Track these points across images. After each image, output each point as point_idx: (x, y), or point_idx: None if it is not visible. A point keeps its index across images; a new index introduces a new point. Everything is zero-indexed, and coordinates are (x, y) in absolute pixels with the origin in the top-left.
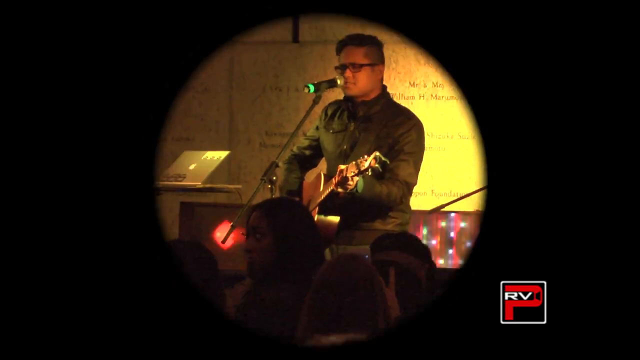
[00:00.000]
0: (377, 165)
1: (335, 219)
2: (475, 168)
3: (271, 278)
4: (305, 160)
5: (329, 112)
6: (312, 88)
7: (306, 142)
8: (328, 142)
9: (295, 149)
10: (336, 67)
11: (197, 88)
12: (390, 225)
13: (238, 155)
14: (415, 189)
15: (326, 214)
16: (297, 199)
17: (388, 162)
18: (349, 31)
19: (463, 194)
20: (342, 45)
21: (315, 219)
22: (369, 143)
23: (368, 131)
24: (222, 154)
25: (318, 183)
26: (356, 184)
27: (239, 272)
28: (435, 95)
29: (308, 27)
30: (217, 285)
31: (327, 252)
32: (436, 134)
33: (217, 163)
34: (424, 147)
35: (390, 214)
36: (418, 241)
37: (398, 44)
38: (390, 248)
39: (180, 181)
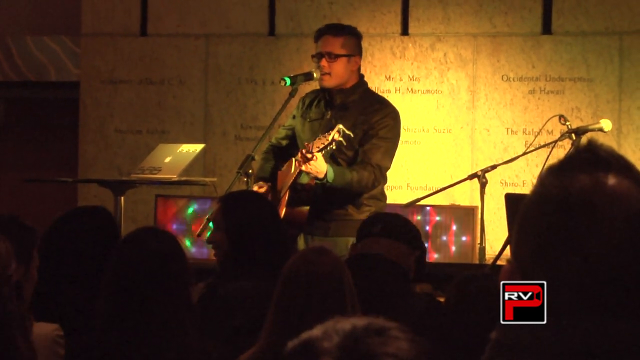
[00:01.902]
0: (340, 138)
1: (304, 208)
2: (450, 162)
3: (231, 271)
4: (282, 151)
5: (307, 101)
6: (288, 81)
7: (283, 132)
8: (304, 130)
9: (273, 139)
10: (313, 56)
11: (172, 81)
12: (365, 214)
13: (213, 148)
14: (391, 183)
15: (297, 203)
16: (269, 184)
17: (352, 135)
18: (326, 23)
19: (438, 188)
20: (320, 33)
21: (284, 210)
22: None
23: (345, 119)
24: (198, 147)
25: (289, 168)
26: (326, 174)
27: (210, 265)
28: (411, 89)
29: (284, 20)
30: (185, 280)
31: (301, 243)
32: (412, 128)
33: (193, 156)
34: (399, 134)
35: (365, 202)
36: (409, 224)
37: (374, 37)
38: (380, 235)
39: (156, 174)
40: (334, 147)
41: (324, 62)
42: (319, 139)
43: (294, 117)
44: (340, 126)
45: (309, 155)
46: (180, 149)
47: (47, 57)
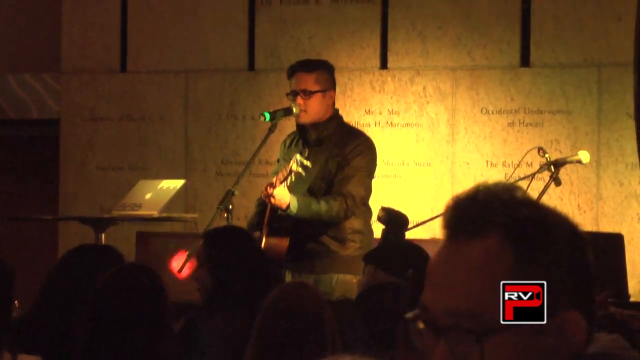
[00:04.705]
0: (298, 168)
1: (284, 240)
2: (430, 195)
3: (213, 307)
4: None
5: (287, 142)
6: (268, 116)
7: (273, 179)
8: None
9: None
10: (287, 94)
11: (153, 117)
12: (350, 249)
13: (194, 184)
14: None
15: (275, 235)
16: (257, 234)
17: (309, 164)
18: (305, 58)
19: (419, 222)
20: (293, 71)
21: (264, 241)
22: (319, 164)
23: (319, 154)
24: (178, 183)
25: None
26: (288, 204)
27: (192, 302)
28: (391, 123)
29: (263, 55)
30: (165, 318)
31: (288, 277)
32: (391, 161)
33: (173, 192)
34: (373, 161)
35: (349, 237)
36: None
37: (353, 71)
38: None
39: (137, 210)
40: (293, 179)
41: (299, 100)
42: (281, 172)
43: (278, 160)
44: (298, 156)
45: (270, 190)
46: (161, 185)
47: (28, 94)
